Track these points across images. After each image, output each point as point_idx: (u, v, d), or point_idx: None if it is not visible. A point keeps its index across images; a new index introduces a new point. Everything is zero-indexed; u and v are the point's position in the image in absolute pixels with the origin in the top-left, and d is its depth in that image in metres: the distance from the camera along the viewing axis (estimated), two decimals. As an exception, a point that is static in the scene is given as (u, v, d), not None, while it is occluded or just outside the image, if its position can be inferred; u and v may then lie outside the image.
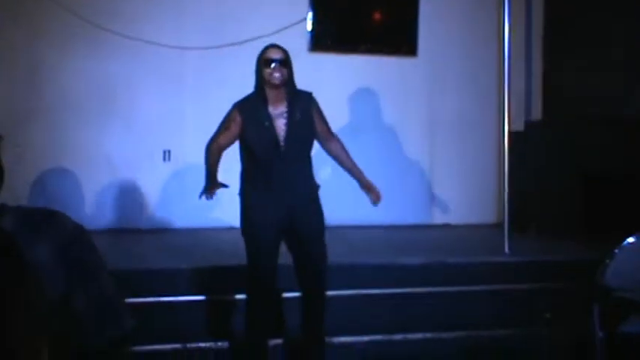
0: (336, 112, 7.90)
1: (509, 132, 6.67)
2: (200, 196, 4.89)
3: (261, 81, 4.74)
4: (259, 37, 7.30)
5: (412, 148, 8.39)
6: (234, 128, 4.74)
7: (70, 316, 1.91)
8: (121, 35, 7.53)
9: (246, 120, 4.72)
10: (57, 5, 7.43)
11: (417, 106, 8.41)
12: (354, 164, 4.97)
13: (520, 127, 8.23)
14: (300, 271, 4.82)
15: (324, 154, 5.02)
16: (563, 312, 5.44)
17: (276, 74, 4.67)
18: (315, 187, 4.85)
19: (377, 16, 8.39)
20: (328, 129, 4.94)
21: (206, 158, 4.87)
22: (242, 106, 4.77)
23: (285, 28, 7.77)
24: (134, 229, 7.60)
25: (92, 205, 7.56)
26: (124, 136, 7.69)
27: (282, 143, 4.70)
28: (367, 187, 4.96)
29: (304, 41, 8.05)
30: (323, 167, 5.02)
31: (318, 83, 7.60)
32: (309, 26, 8.10)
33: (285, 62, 4.72)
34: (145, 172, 7.77)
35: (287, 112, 4.72)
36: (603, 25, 7.79)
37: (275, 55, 4.71)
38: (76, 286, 1.92)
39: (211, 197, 4.90)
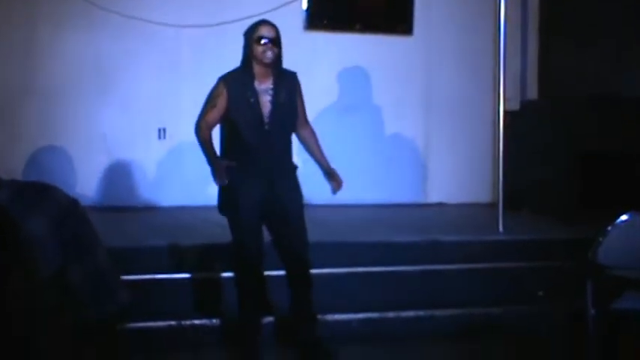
0: (331, 91, 7.95)
1: (504, 111, 6.67)
2: (218, 184, 4.71)
3: (249, 56, 4.70)
4: (255, 16, 7.26)
5: (407, 127, 8.38)
6: (221, 103, 4.67)
7: (65, 290, 1.92)
8: (117, 13, 7.49)
9: (232, 94, 4.67)
10: (51, -18, 7.40)
11: (413, 85, 8.39)
12: (322, 152, 4.97)
13: (516, 106, 8.22)
14: (282, 251, 4.79)
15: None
16: (557, 290, 5.47)
17: (269, 53, 4.63)
18: (294, 167, 4.85)
19: (373, -6, 8.36)
20: (305, 115, 4.93)
21: (199, 140, 4.74)
22: (228, 80, 4.72)
23: (281, 6, 7.71)
24: (129, 206, 7.58)
25: (87, 183, 7.53)
26: (119, 114, 7.66)
27: (266, 120, 4.67)
28: (331, 175, 4.94)
29: (299, 20, 8.02)
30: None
31: (314, 62, 7.64)
32: (304, 5, 8.06)
33: (277, 41, 4.68)
34: (140, 150, 7.75)
35: (272, 89, 4.69)
36: (600, 4, 7.77)
37: (268, 33, 4.65)
38: (71, 260, 1.93)
39: (225, 182, 4.63)
